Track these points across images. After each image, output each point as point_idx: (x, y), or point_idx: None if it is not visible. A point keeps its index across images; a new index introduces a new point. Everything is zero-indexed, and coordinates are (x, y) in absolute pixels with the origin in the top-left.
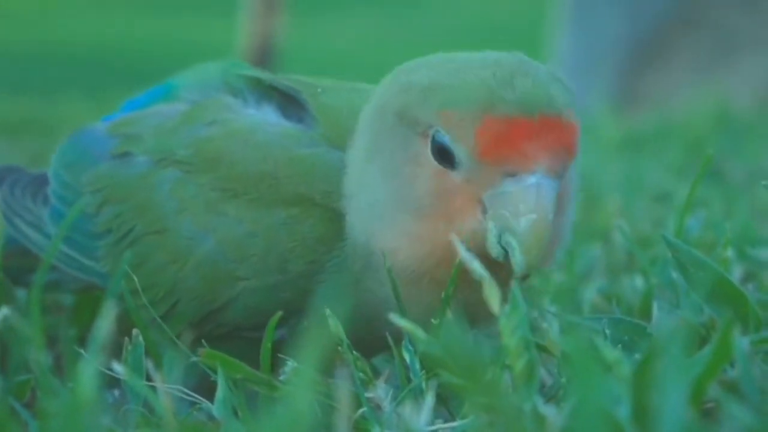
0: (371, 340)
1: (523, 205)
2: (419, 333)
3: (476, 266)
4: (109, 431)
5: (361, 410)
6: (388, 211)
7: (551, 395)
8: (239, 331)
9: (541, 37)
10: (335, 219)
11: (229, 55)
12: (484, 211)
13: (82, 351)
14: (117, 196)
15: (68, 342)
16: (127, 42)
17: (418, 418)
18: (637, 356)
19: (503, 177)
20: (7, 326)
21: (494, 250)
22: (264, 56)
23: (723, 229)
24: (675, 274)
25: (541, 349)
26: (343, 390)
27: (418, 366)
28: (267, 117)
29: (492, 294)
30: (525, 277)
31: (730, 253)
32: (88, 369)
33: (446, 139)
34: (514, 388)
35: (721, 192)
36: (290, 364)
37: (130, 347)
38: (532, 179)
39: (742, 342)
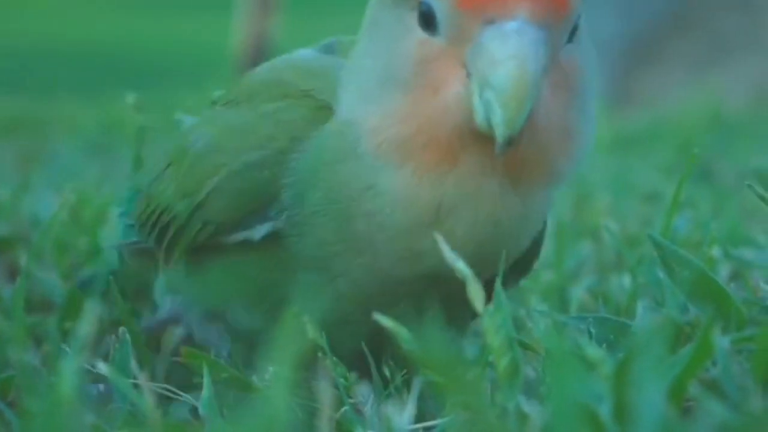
0: (354, 323)
1: (499, 52)
2: (402, 332)
3: (460, 266)
4: (92, 429)
5: (342, 409)
6: (375, 90)
7: (535, 392)
8: (223, 235)
9: None
10: (323, 108)
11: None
12: (469, 75)
13: (66, 349)
14: (164, 153)
15: (53, 340)
16: (122, 41)
17: (401, 417)
18: (620, 355)
19: (482, 27)
20: None
21: (478, 116)
22: (259, 55)
23: (709, 230)
24: (660, 273)
25: (526, 347)
26: (325, 391)
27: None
28: (301, 53)
29: (475, 294)
30: (509, 144)
31: (715, 252)
32: (70, 367)
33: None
34: (498, 387)
35: (710, 192)
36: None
37: (116, 345)
38: (511, 24)
39: (722, 341)
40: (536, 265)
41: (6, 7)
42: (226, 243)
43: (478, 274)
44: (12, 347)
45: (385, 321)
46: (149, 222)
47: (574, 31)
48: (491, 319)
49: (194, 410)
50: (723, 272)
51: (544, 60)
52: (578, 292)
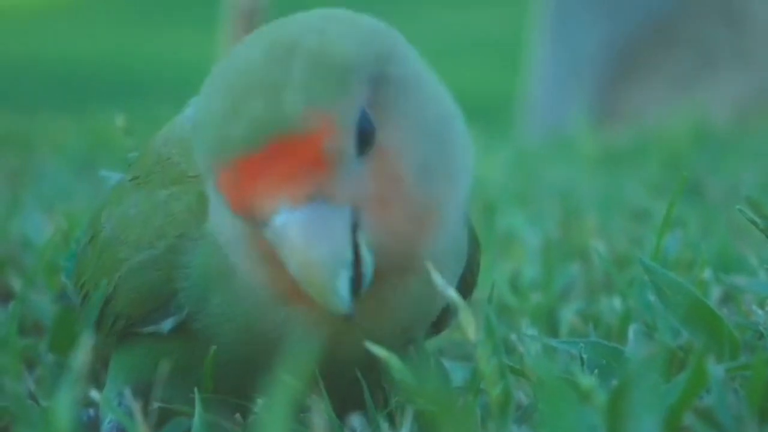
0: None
1: (281, 251)
2: (394, 361)
3: (451, 293)
4: None
5: None
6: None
7: (526, 418)
8: (135, 328)
9: (517, 51)
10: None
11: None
12: None
13: (60, 378)
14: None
15: (46, 369)
16: (106, 57)
17: None
18: (614, 382)
19: (257, 224)
20: None
21: None
22: None
23: (700, 250)
24: (651, 297)
25: (517, 372)
26: (318, 422)
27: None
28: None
29: (467, 320)
30: (350, 315)
31: (707, 274)
32: (65, 399)
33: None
34: (490, 414)
35: (698, 209)
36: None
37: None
38: (277, 220)
39: (717, 369)
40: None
41: None
42: (142, 331)
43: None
44: (6, 377)
45: (378, 350)
46: (79, 300)
47: (367, 135)
48: (483, 347)
49: None
50: (714, 295)
51: (335, 224)
52: (568, 315)
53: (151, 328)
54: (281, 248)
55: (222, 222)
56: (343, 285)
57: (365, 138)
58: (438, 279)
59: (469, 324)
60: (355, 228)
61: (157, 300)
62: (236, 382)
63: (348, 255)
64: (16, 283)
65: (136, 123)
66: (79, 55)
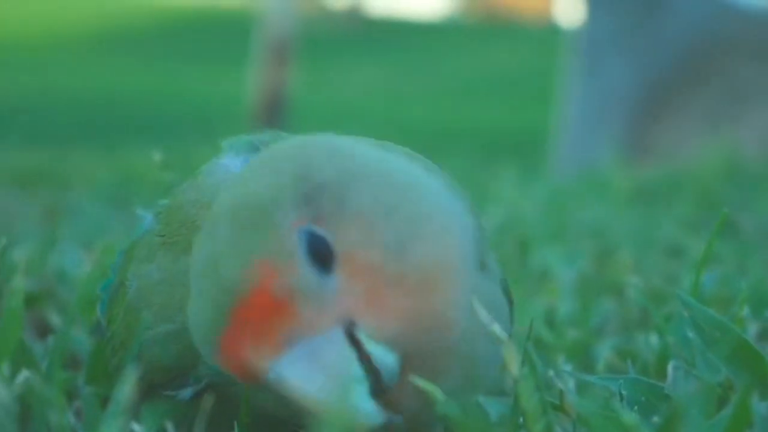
0: None
1: (289, 398)
2: (438, 394)
3: (494, 327)
4: None
5: None
6: None
7: None
8: (157, 389)
9: (548, 87)
10: None
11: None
12: None
13: (102, 412)
14: (126, 257)
15: (89, 402)
16: (137, 92)
17: None
18: (655, 419)
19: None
20: (28, 389)
21: None
22: (273, 106)
23: (739, 287)
24: (691, 333)
25: (558, 408)
26: None
27: None
28: (232, 164)
29: (510, 356)
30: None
31: (746, 312)
32: (111, 430)
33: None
34: None
35: (733, 245)
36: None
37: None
38: (270, 376)
39: (760, 407)
40: None
41: (20, 63)
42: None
43: None
44: (51, 410)
45: (423, 383)
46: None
47: (323, 251)
48: (525, 383)
49: None
50: (752, 331)
51: (325, 350)
52: (604, 351)
53: (171, 393)
54: (289, 396)
55: None
56: (361, 399)
57: (323, 253)
58: (483, 314)
59: (512, 360)
60: (352, 337)
61: (176, 370)
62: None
63: (354, 368)
64: (53, 317)
65: (169, 158)
66: (109, 90)
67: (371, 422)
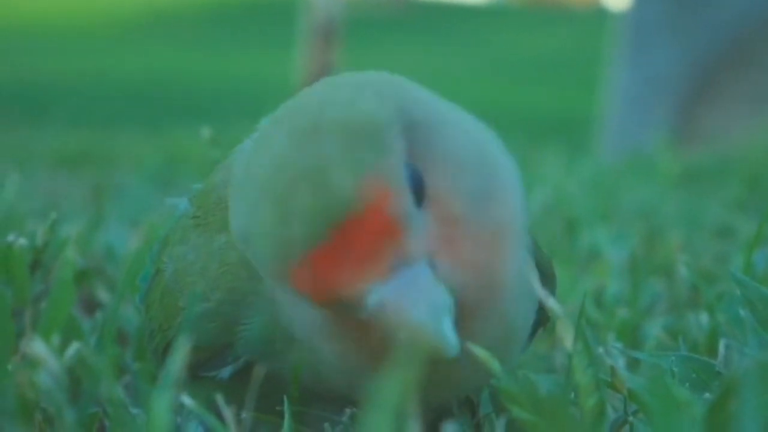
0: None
1: (383, 326)
2: (495, 365)
3: (550, 302)
4: None
5: None
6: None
7: (616, 430)
8: (197, 371)
9: (594, 70)
10: None
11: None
12: None
13: (149, 386)
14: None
15: (139, 375)
16: (184, 75)
17: None
18: (707, 396)
19: (349, 309)
20: (79, 360)
21: None
22: None
23: None
24: (743, 312)
25: (608, 385)
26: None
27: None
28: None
29: (566, 330)
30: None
31: None
32: (163, 402)
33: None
34: (583, 427)
35: None
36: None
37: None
38: (371, 300)
39: None
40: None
41: (67, 46)
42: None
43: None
44: (102, 383)
45: (479, 351)
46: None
47: (418, 187)
48: (580, 358)
49: None
50: None
51: (423, 280)
52: (654, 330)
53: (211, 374)
54: (383, 323)
55: (295, 314)
56: (449, 331)
57: (418, 190)
58: (538, 287)
59: (567, 334)
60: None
61: (213, 350)
62: (318, 400)
63: (446, 300)
64: (101, 293)
65: (217, 136)
66: (154, 72)
67: (454, 353)
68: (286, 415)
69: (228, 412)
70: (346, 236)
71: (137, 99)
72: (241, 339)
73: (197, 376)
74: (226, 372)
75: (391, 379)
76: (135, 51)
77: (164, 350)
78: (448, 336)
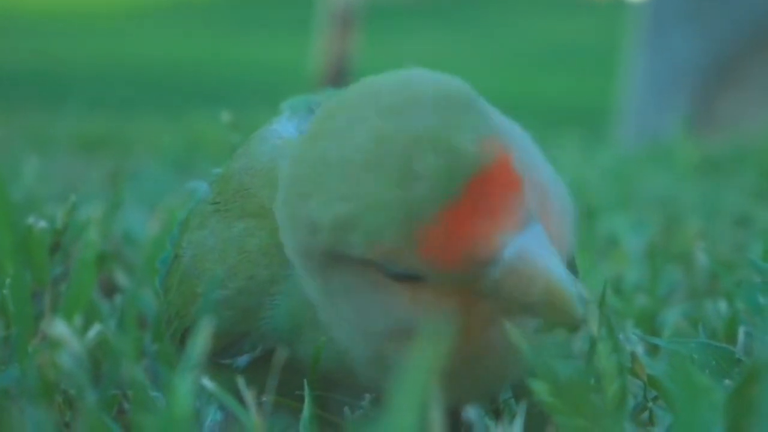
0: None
1: (525, 282)
2: (526, 345)
3: (581, 288)
4: None
5: None
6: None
7: (637, 416)
8: (214, 359)
9: (614, 59)
10: None
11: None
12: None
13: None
14: (183, 227)
15: (160, 357)
16: (199, 59)
17: None
18: (727, 382)
19: (481, 269)
20: (101, 342)
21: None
22: (337, 75)
23: None
24: (762, 299)
25: (629, 372)
26: (436, 414)
27: None
28: (284, 129)
29: (593, 315)
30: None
31: None
32: (184, 384)
33: (395, 268)
34: (605, 412)
35: None
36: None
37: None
38: (508, 253)
39: None
40: None
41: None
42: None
43: None
44: (124, 363)
45: (514, 333)
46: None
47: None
48: (604, 343)
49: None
50: None
51: (545, 237)
52: (672, 317)
53: (227, 362)
54: (515, 281)
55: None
56: (580, 291)
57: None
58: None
59: (594, 319)
60: None
61: (229, 338)
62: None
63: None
64: (120, 277)
65: (236, 120)
66: (172, 57)
67: (582, 316)
68: (307, 400)
69: (249, 396)
70: (477, 192)
71: (155, 84)
72: (263, 327)
73: (213, 363)
74: (242, 360)
75: (417, 366)
76: (154, 36)
77: (182, 336)
78: (580, 297)
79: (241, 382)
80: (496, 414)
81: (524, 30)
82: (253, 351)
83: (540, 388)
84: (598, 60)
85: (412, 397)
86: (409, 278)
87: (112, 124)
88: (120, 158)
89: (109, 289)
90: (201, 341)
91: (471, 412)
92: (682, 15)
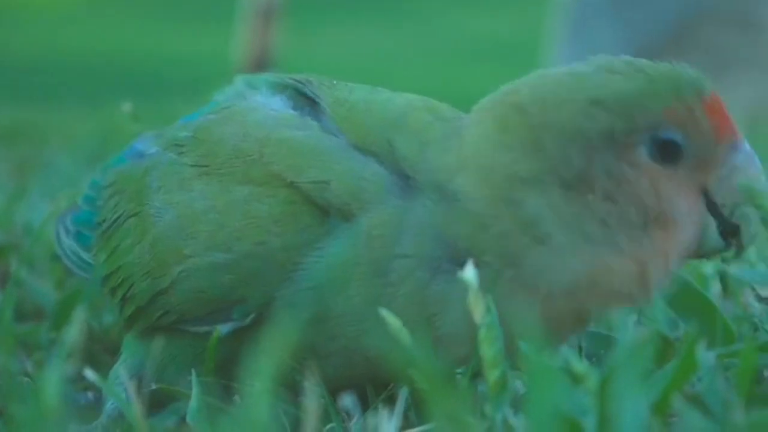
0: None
1: (753, 168)
2: (403, 334)
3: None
4: None
5: (329, 425)
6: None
7: (522, 404)
8: (185, 324)
9: (538, 53)
10: (304, 204)
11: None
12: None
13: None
14: (120, 187)
15: (45, 352)
16: (123, 50)
17: (389, 424)
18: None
19: (727, 152)
20: None
21: (714, 243)
22: (260, 66)
23: None
24: None
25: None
26: (311, 401)
27: None
28: (271, 103)
29: (477, 303)
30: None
31: (708, 269)
32: (55, 373)
33: (674, 134)
34: (487, 398)
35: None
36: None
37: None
38: (746, 145)
39: (708, 356)
40: None
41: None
42: (189, 330)
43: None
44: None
45: (391, 319)
46: (111, 285)
47: None
48: (488, 331)
49: (182, 419)
50: (714, 289)
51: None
52: None
53: (203, 329)
54: (746, 168)
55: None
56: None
57: None
58: None
59: (478, 306)
60: None
61: (220, 303)
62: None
63: None
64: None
65: (149, 114)
66: (94, 49)
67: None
68: (195, 385)
69: (131, 386)
70: (715, 103)
71: (79, 75)
72: (259, 293)
73: (181, 330)
74: (226, 328)
75: (267, 356)
76: (76, 26)
77: (150, 298)
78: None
79: (122, 371)
80: (384, 401)
81: (454, 21)
82: (243, 319)
83: (418, 376)
84: (523, 53)
85: (263, 386)
86: (668, 158)
87: (26, 116)
88: (33, 150)
89: (7, 281)
90: (76, 330)
91: (347, 399)
92: (603, 12)
